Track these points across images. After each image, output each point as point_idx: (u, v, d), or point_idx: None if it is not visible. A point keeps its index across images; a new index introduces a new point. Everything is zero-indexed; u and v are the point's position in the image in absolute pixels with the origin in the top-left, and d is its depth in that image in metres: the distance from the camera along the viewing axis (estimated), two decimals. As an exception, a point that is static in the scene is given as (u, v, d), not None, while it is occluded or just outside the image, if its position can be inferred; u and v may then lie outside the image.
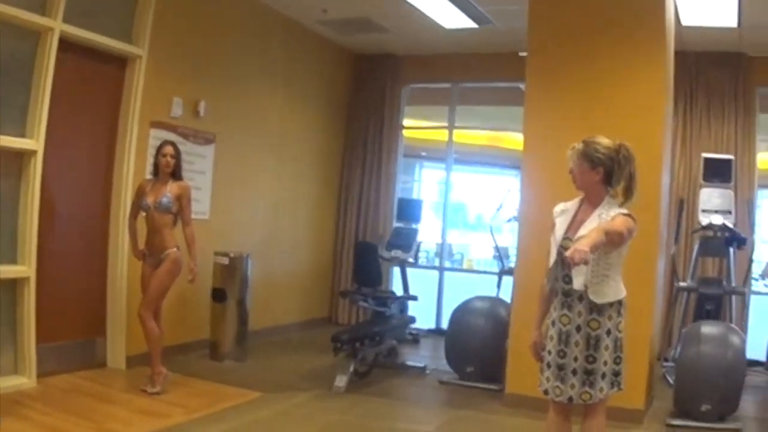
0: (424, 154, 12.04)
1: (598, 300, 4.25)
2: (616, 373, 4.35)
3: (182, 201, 7.15)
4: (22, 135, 6.81)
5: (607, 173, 4.33)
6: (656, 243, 7.00)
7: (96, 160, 7.82)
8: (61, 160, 7.31)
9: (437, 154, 13.27)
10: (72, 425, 5.90)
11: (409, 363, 8.97)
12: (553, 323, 4.41)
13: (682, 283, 8.64)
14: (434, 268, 11.87)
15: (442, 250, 11.79)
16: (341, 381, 7.60)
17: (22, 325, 6.81)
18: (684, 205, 9.20)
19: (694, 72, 10.12)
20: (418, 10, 9.12)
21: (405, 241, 10.06)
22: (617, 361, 4.33)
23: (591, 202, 4.40)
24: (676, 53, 7.95)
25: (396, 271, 10.84)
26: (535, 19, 7.39)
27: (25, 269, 6.82)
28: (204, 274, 8.51)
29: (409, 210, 10.52)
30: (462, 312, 8.35)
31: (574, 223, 4.39)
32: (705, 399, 6.71)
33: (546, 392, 4.45)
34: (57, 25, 6.82)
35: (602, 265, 4.24)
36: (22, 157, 6.84)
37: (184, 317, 8.67)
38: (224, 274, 8.63)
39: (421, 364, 8.80)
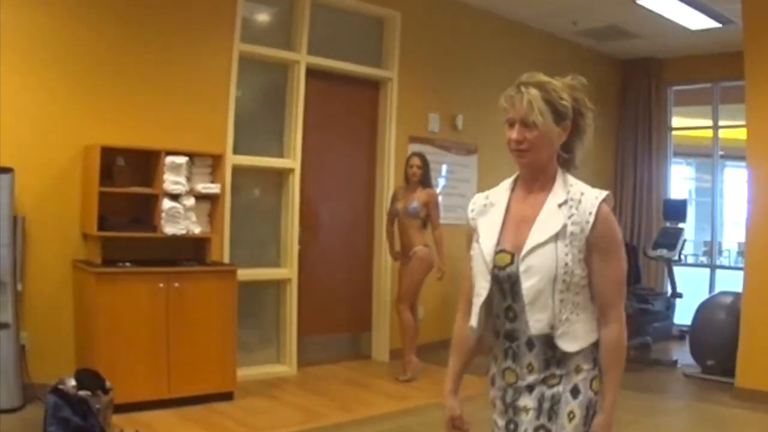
0: (722, 153, 11.86)
1: (570, 347, 2.59)
2: None
3: (429, 207, 7.84)
4: (281, 155, 7.86)
5: (573, 130, 2.78)
6: None
7: (357, 172, 8.74)
8: (321, 175, 8.30)
9: (736, 153, 13.00)
10: (314, 404, 6.78)
11: (661, 357, 9.14)
12: (493, 381, 2.83)
13: None
14: (704, 266, 11.86)
15: (713, 248, 11.69)
16: (586, 374, 7.95)
17: (285, 320, 7.85)
18: None
19: None
20: (660, 15, 9.26)
21: (670, 240, 10.12)
22: None
23: (534, 182, 2.72)
24: None
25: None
26: (749, 14, 7.47)
27: (287, 271, 7.85)
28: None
29: (675, 210, 10.56)
30: (705, 307, 8.48)
31: (510, 223, 2.72)
32: None
33: None
34: (302, 58, 7.82)
35: (578, 291, 2.60)
36: (281, 174, 7.89)
37: (451, 315, 9.24)
38: (487, 274, 9.17)
39: (673, 359, 8.97)
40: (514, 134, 2.61)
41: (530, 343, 2.62)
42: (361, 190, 8.78)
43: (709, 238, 12.33)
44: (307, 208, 8.10)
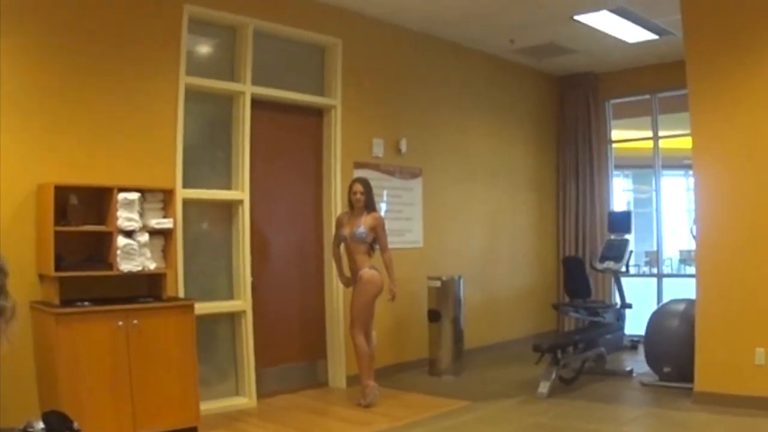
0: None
1: None
2: None
3: (377, 231, 7.88)
4: (229, 187, 7.82)
5: None
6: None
7: (305, 200, 8.72)
8: (269, 205, 8.26)
9: (672, 162, 13.19)
10: (278, 434, 6.75)
11: (616, 368, 9.19)
12: None
13: None
14: (652, 275, 12.01)
15: (659, 258, 11.83)
16: (544, 387, 8.01)
17: (242, 352, 7.76)
18: None
19: None
20: (598, 30, 9.38)
21: (617, 252, 10.25)
22: None
23: None
24: None
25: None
26: (689, 23, 7.58)
27: (241, 303, 7.78)
28: (420, 297, 9.26)
29: (619, 222, 10.69)
30: (658, 315, 8.56)
31: None
32: None
33: None
34: (247, 89, 7.79)
35: None
36: (230, 206, 7.85)
37: (405, 338, 9.39)
38: (438, 296, 9.24)
39: (628, 368, 9.03)
40: None
41: None
42: (310, 217, 8.77)
43: (647, 248, 12.52)
44: (258, 238, 8.05)
